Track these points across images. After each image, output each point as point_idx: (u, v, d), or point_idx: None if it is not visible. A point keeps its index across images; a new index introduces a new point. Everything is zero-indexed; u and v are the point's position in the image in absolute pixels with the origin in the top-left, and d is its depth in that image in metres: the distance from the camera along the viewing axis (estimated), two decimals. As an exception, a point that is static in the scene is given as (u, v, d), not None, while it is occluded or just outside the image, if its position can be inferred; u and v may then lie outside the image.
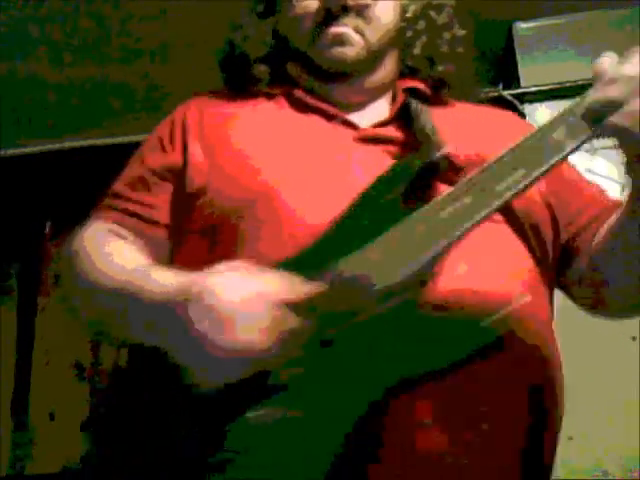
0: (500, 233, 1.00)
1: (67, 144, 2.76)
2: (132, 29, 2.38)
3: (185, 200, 1.07)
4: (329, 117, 1.10)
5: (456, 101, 1.20)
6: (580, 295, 1.13)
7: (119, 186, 1.14)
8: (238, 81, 1.20)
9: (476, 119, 1.16)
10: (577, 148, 0.88)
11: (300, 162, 1.02)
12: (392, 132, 1.08)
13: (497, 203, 0.86)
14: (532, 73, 2.41)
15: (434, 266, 0.86)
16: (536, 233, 1.05)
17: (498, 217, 1.00)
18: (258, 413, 0.85)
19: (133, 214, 1.10)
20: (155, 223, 1.09)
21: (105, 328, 1.03)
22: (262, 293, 0.85)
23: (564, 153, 0.88)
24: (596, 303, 1.11)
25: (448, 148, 1.00)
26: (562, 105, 0.89)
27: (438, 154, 0.99)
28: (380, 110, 1.14)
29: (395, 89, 1.17)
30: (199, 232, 1.05)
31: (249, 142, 1.07)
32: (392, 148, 1.05)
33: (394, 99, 1.16)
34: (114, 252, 1.05)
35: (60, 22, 2.34)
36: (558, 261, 1.10)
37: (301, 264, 0.91)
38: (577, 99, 0.90)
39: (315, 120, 1.10)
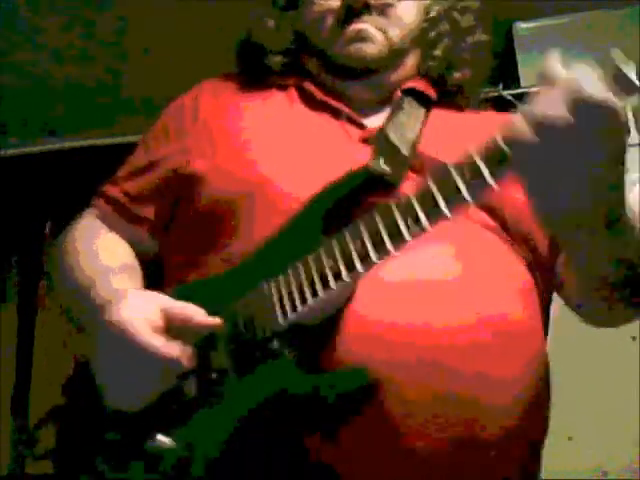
0: (483, 242, 0.98)
1: (67, 144, 2.76)
2: (132, 30, 2.38)
3: (183, 190, 1.08)
4: (337, 114, 1.09)
5: (464, 106, 1.19)
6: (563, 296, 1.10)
7: (121, 173, 1.17)
8: (252, 70, 1.19)
9: (478, 126, 1.12)
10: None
11: (300, 158, 1.02)
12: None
13: (361, 269, 0.84)
14: (532, 73, 2.41)
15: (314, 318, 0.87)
16: (525, 240, 1.02)
17: (491, 223, 0.98)
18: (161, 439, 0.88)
19: (122, 206, 1.13)
20: (139, 218, 1.12)
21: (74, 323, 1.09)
22: (165, 309, 0.90)
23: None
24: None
25: (381, 165, 0.97)
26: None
27: (374, 167, 0.96)
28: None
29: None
30: (194, 222, 1.06)
31: (254, 135, 1.06)
32: None
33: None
34: (99, 251, 1.09)
35: (60, 22, 2.34)
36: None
37: (219, 286, 0.96)
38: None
39: (323, 117, 1.09)
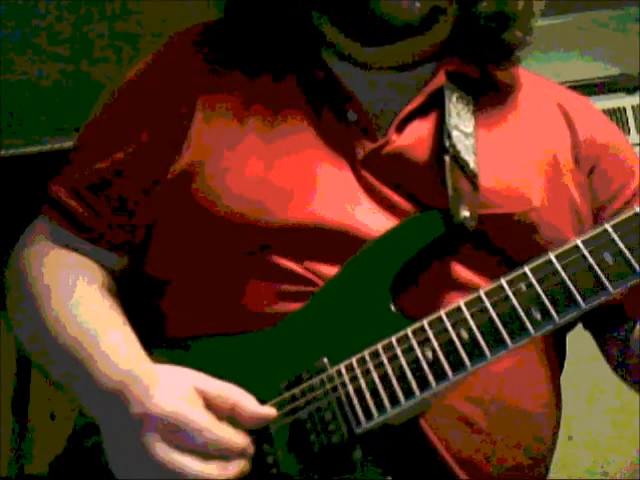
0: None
1: (67, 144, 2.76)
2: (131, 30, 2.38)
3: (168, 198, 0.90)
4: (345, 121, 0.89)
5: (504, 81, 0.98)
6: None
7: (79, 179, 0.98)
8: (239, 36, 0.96)
9: (534, 113, 0.96)
10: None
11: (296, 181, 0.86)
12: (418, 144, 0.87)
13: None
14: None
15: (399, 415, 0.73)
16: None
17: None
18: None
19: (92, 233, 0.94)
20: (113, 245, 0.94)
21: (42, 369, 0.93)
22: (202, 391, 0.73)
23: None
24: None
25: (469, 208, 0.79)
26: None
27: (462, 214, 0.79)
28: (415, 87, 0.92)
29: (438, 63, 0.93)
30: (188, 236, 0.89)
31: (242, 146, 0.89)
32: (414, 168, 0.87)
33: (435, 74, 0.92)
34: (69, 289, 0.91)
35: (59, 22, 2.34)
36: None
37: (260, 352, 0.79)
38: None
39: (327, 124, 0.90)
